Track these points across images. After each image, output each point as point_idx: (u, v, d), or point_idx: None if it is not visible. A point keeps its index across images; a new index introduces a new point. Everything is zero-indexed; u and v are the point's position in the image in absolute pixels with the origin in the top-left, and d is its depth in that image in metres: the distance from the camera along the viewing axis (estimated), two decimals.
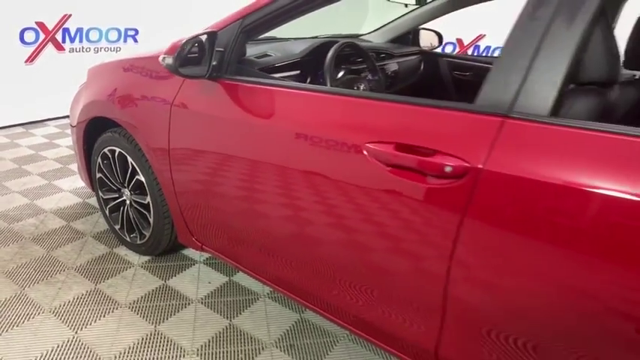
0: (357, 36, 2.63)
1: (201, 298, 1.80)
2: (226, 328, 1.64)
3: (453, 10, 2.32)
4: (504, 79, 0.96)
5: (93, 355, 1.49)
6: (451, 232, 1.00)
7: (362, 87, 1.72)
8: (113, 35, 4.18)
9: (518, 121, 0.92)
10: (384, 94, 1.20)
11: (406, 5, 1.86)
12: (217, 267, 2.01)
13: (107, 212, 2.11)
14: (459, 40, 4.85)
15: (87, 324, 1.62)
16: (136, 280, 1.89)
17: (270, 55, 1.65)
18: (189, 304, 1.77)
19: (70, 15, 3.81)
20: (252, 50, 1.68)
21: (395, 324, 1.21)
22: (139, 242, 2.00)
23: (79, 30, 3.91)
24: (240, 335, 1.62)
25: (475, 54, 4.84)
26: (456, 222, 0.98)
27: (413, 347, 1.19)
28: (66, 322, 1.63)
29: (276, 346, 1.57)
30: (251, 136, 1.38)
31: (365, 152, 1.09)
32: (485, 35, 4.74)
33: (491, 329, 1.02)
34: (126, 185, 1.95)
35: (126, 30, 4.23)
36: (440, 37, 2.65)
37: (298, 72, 1.67)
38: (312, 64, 1.71)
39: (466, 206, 0.97)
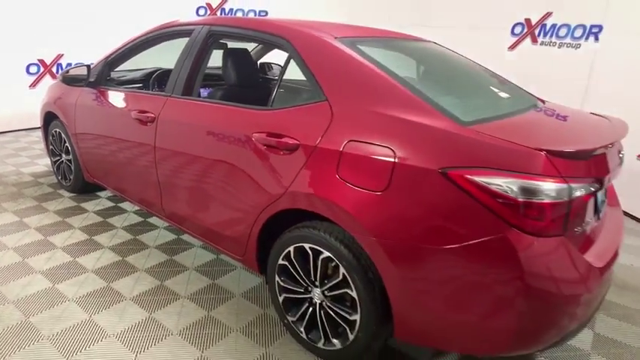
0: None
1: (96, 211, 3.22)
2: (104, 224, 3.04)
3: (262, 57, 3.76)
4: (172, 81, 2.37)
5: (28, 229, 2.90)
6: (152, 148, 2.39)
7: None
8: None
9: (171, 98, 2.33)
10: (150, 92, 2.61)
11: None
12: (113, 200, 3.42)
13: (55, 169, 3.59)
14: None
15: (30, 215, 3.05)
16: (62, 203, 3.33)
17: (125, 76, 3.14)
18: (86, 211, 3.18)
19: (63, 54, 5.49)
20: (121, 74, 3.17)
21: (151, 198, 2.58)
22: (67, 184, 3.46)
23: (69, 64, 5.56)
24: (106, 226, 3.01)
25: None
26: (152, 142, 2.38)
27: (154, 205, 2.57)
28: (20, 217, 3.05)
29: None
30: (110, 118, 2.81)
31: (131, 115, 2.51)
32: None
33: (176, 190, 2.38)
34: (62, 151, 3.41)
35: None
36: (269, 65, 4.05)
37: (141, 84, 3.15)
38: (149, 80, 3.19)
39: (155, 135, 2.36)
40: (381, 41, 2.16)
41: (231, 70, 2.41)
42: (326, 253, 1.72)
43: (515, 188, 1.33)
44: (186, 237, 2.89)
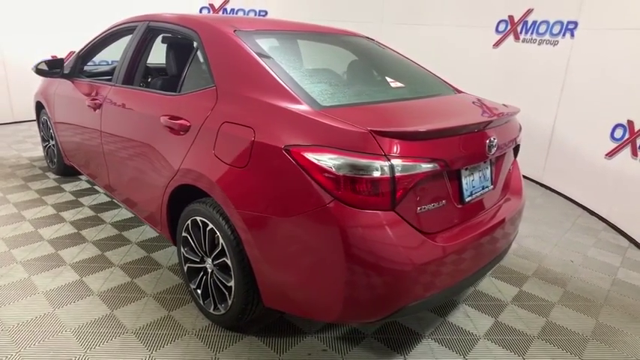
0: None
1: (71, 191, 3.55)
2: (74, 202, 3.36)
3: None
4: (116, 72, 2.62)
5: (7, 204, 3.26)
6: (99, 132, 2.65)
7: None
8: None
9: (114, 87, 2.58)
10: (102, 81, 2.89)
11: None
12: (91, 182, 3.75)
13: (45, 153, 3.98)
14: None
15: (13, 192, 3.43)
16: (45, 184, 3.70)
17: (98, 68, 3.45)
18: (63, 191, 3.53)
19: (75, 51, 5.94)
20: (95, 67, 3.48)
21: (104, 179, 2.85)
22: (52, 167, 3.83)
23: None
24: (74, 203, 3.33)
25: None
26: (99, 127, 2.64)
27: (107, 186, 2.84)
28: (4, 193, 3.44)
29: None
30: (76, 106, 3.12)
31: (86, 103, 2.79)
32: None
33: (116, 171, 2.63)
34: (49, 137, 3.78)
35: (112, 61, 6.31)
36: None
37: (110, 77, 3.45)
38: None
39: (101, 116, 2.62)
40: (287, 35, 2.30)
41: (170, 61, 2.63)
42: (210, 225, 1.89)
43: (338, 164, 1.46)
44: None
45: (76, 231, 2.90)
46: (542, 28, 4.32)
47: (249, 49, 1.91)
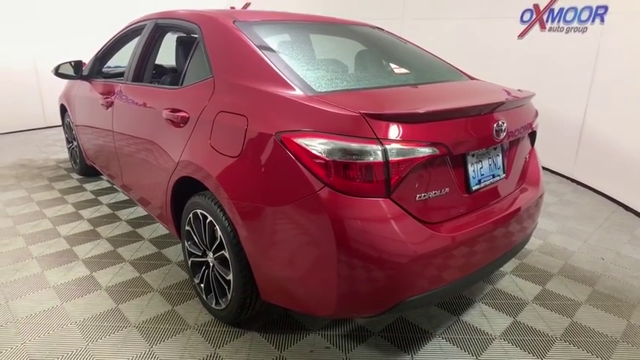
0: None
1: (92, 190, 3.65)
2: (93, 200, 3.45)
3: None
4: (127, 70, 2.66)
5: (30, 202, 3.38)
6: (111, 119, 2.69)
7: None
8: None
9: (123, 85, 2.62)
10: (114, 80, 2.94)
11: None
12: (111, 183, 3.84)
13: (69, 155, 4.11)
14: None
15: (38, 192, 3.55)
16: (68, 183, 3.82)
17: (115, 69, 3.54)
18: (84, 190, 3.62)
19: None
20: (112, 68, 3.58)
21: (118, 177, 2.89)
22: (76, 167, 3.95)
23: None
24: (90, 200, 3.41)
25: None
26: (111, 119, 2.68)
27: (117, 179, 2.87)
28: (29, 193, 3.56)
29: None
30: (93, 106, 3.20)
31: (100, 102, 2.85)
32: None
33: (127, 168, 2.66)
34: (73, 138, 3.90)
35: None
36: None
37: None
38: None
39: (112, 115, 2.66)
40: (290, 25, 2.25)
41: (178, 57, 2.64)
42: (210, 218, 1.86)
43: (328, 149, 1.39)
44: None
45: (92, 228, 2.95)
46: (570, 15, 4.08)
47: (246, 39, 1.88)
